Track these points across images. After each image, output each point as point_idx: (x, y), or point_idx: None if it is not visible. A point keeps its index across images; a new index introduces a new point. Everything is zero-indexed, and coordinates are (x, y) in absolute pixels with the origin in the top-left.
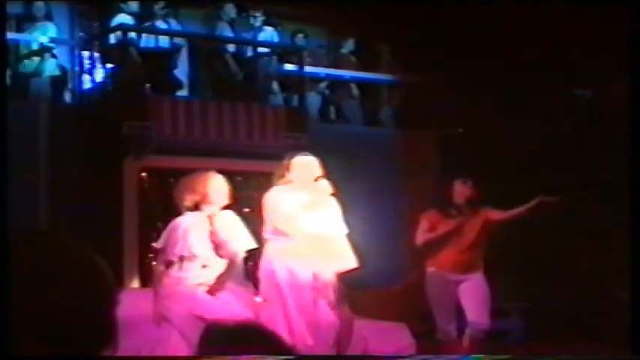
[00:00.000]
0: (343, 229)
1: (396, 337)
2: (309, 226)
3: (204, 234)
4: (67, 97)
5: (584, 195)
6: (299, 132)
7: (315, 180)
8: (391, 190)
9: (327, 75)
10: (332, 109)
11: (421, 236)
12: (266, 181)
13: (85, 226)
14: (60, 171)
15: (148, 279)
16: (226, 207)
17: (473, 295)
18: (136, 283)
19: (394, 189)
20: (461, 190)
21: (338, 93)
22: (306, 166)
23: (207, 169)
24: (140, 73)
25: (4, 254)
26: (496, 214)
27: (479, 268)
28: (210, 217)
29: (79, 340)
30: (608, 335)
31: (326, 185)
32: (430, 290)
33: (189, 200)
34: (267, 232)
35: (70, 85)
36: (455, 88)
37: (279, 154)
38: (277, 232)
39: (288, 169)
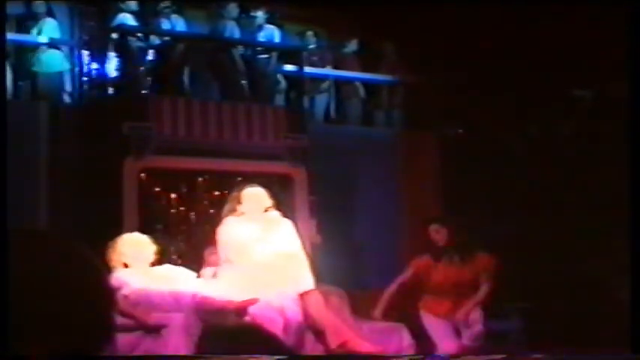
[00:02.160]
0: (296, 256)
1: (396, 337)
2: (259, 256)
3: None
4: (67, 96)
5: (584, 195)
6: (299, 132)
7: (265, 210)
8: (392, 188)
9: (330, 75)
10: (334, 109)
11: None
12: (266, 182)
13: (85, 227)
14: (60, 171)
15: None
16: (153, 264)
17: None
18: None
19: (395, 188)
20: (435, 235)
21: (341, 93)
22: (255, 197)
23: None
24: (141, 73)
25: (4, 254)
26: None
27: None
28: None
29: (76, 340)
30: (608, 335)
31: (275, 216)
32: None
33: (116, 262)
34: (221, 261)
35: (70, 85)
36: (458, 89)
37: (280, 155)
38: (229, 262)
39: (239, 201)
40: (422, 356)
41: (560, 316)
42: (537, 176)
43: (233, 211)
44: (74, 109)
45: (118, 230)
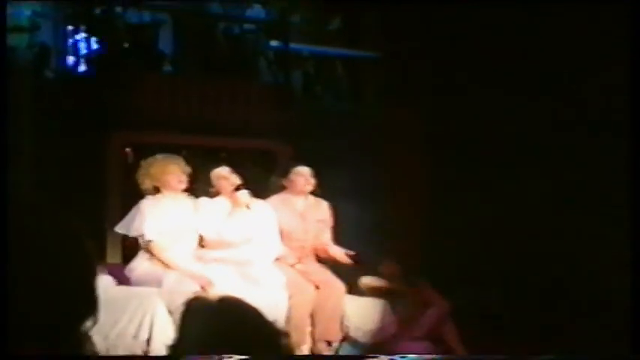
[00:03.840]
0: (262, 238)
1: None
2: (230, 236)
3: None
4: (51, 71)
5: (584, 195)
6: (284, 109)
7: (235, 190)
8: (376, 166)
9: (315, 51)
10: (318, 86)
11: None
12: (250, 158)
13: (69, 202)
14: (44, 146)
15: (129, 255)
16: (185, 190)
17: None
18: (118, 259)
19: (379, 166)
20: (388, 271)
21: (325, 69)
22: (224, 177)
23: (168, 154)
24: (125, 48)
25: (4, 254)
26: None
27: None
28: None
29: (63, 311)
30: (608, 335)
31: (245, 195)
32: None
33: (147, 184)
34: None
35: (54, 60)
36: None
37: (264, 132)
38: (205, 242)
39: (209, 182)
40: (418, 356)
41: (560, 316)
42: (537, 171)
43: (205, 191)
44: (57, 84)
45: (102, 205)
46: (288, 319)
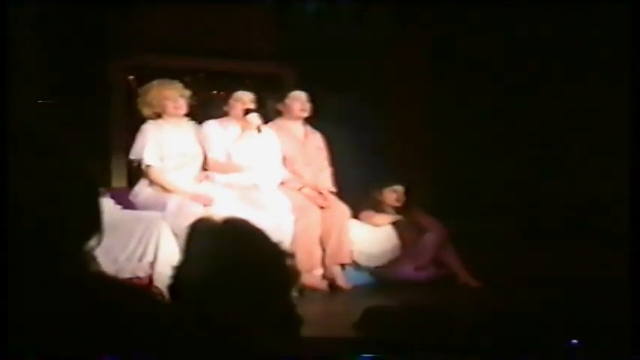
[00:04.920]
0: (271, 164)
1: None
2: (239, 159)
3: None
4: None
5: (584, 195)
6: (290, 32)
7: (246, 113)
8: (382, 90)
9: None
10: (324, 6)
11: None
12: (254, 82)
13: (72, 130)
14: (43, 74)
15: (134, 179)
16: (187, 115)
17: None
18: (123, 183)
19: (385, 91)
20: (390, 196)
21: None
22: (241, 100)
23: (164, 79)
24: None
25: (4, 254)
26: (425, 220)
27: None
28: None
29: (65, 230)
30: (608, 335)
31: (255, 117)
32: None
33: (147, 112)
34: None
35: None
36: None
37: (268, 54)
38: (211, 165)
39: (225, 102)
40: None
41: (560, 315)
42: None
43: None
44: (54, 9)
45: (104, 131)
46: (297, 243)
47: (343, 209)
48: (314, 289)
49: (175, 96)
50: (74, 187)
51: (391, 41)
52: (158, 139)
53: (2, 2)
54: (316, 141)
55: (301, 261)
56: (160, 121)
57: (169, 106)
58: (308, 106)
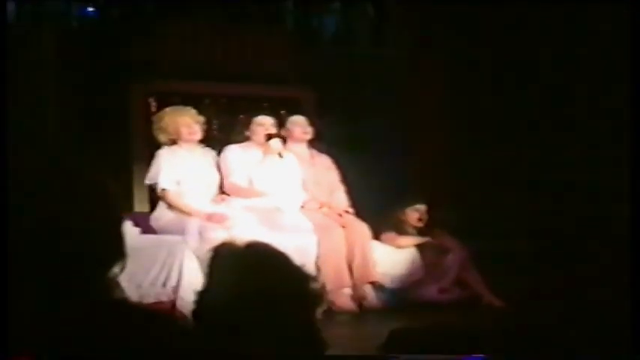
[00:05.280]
0: (292, 188)
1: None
2: (260, 184)
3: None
4: (71, 21)
5: (584, 194)
6: (307, 54)
7: (268, 139)
8: (401, 112)
9: None
10: (343, 29)
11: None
12: (273, 106)
13: (94, 154)
14: (66, 98)
15: (156, 202)
16: (202, 140)
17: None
18: (145, 207)
19: (404, 112)
20: (413, 216)
21: (350, 13)
22: (262, 125)
23: (178, 106)
24: None
25: (4, 253)
26: (447, 241)
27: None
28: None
29: (89, 257)
30: (608, 335)
31: (277, 143)
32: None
33: (163, 138)
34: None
35: (73, 9)
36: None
37: (287, 78)
38: (232, 189)
39: (246, 127)
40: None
41: (560, 315)
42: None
43: (241, 135)
44: (77, 33)
45: (127, 155)
46: (324, 263)
47: (363, 227)
48: (343, 310)
49: (189, 122)
50: (98, 214)
51: (412, 63)
52: (172, 164)
53: (25, 25)
54: (324, 162)
55: (330, 281)
56: (174, 147)
57: (184, 132)
58: (310, 129)
